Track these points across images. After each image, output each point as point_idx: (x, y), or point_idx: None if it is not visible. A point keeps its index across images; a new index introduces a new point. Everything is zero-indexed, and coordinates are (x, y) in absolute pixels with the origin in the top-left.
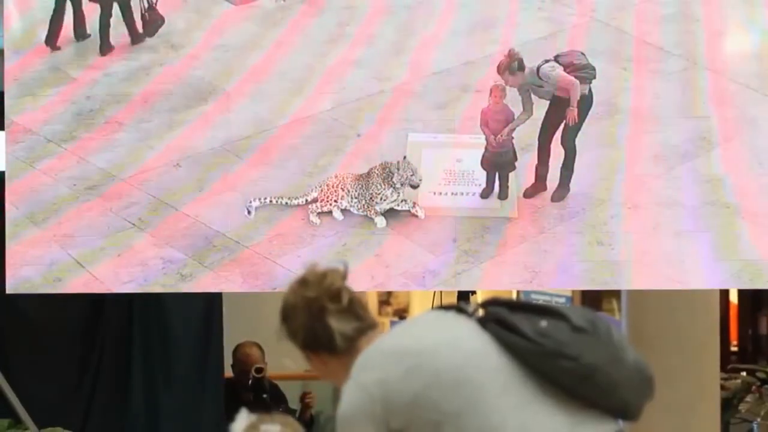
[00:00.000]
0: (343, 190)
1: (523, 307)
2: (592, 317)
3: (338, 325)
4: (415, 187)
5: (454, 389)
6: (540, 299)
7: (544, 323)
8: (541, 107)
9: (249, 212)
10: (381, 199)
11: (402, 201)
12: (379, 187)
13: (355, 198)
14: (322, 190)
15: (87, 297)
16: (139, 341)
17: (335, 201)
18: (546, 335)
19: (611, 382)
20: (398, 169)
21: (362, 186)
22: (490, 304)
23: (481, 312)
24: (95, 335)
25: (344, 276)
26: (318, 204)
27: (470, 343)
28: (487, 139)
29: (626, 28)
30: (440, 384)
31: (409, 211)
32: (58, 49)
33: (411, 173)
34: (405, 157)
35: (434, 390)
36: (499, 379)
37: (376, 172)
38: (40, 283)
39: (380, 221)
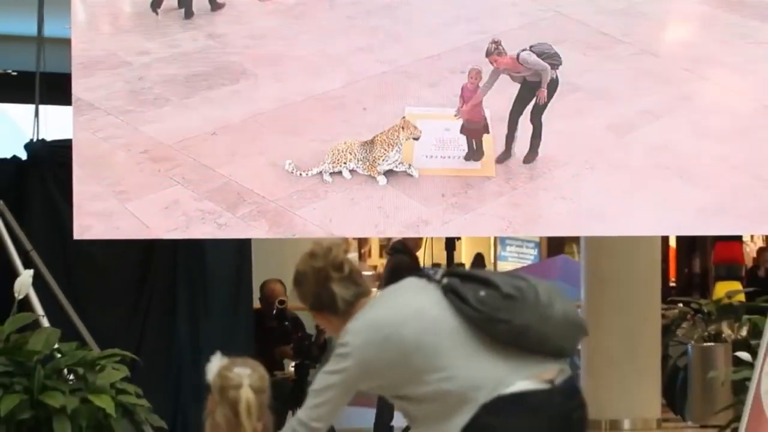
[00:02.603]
0: (350, 154)
1: (471, 277)
2: (519, 283)
3: (340, 290)
4: (416, 139)
5: (417, 351)
6: (513, 244)
7: (482, 293)
8: (512, 90)
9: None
10: (383, 160)
11: (399, 163)
12: (382, 150)
13: (361, 160)
14: (333, 155)
15: (140, 242)
16: (183, 278)
17: (344, 163)
18: (484, 303)
19: (542, 335)
20: (403, 128)
21: (367, 150)
22: (449, 275)
23: (444, 281)
24: (147, 273)
25: (346, 250)
26: (329, 165)
27: (431, 312)
28: (459, 109)
29: (585, 20)
30: (406, 349)
31: (405, 171)
32: (157, 14)
33: (413, 128)
34: (404, 117)
35: (401, 355)
36: (452, 338)
37: (380, 138)
38: (102, 231)
39: (381, 180)
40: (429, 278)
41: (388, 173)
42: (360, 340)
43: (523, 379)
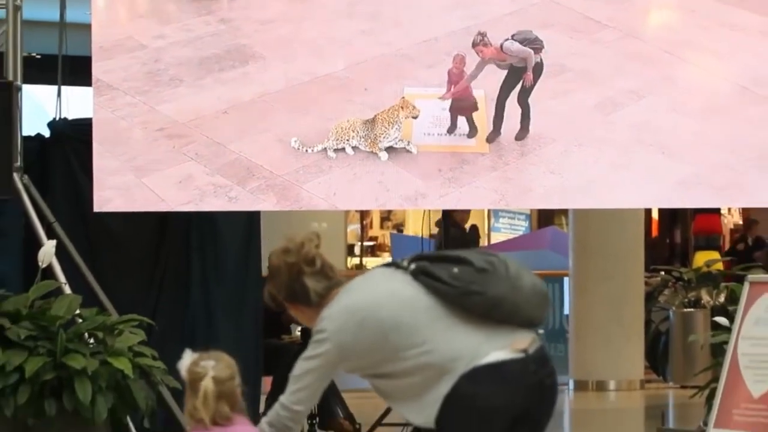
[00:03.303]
0: (353, 132)
1: (440, 258)
2: (491, 258)
3: (313, 284)
4: (415, 117)
5: (394, 331)
6: (506, 216)
7: (455, 269)
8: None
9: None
10: (384, 137)
11: (399, 140)
12: (383, 128)
13: (363, 138)
14: (336, 132)
15: (156, 214)
16: (196, 248)
17: (347, 140)
18: (458, 278)
19: (514, 305)
20: (402, 108)
21: (368, 128)
22: (416, 259)
23: (412, 266)
24: (162, 243)
25: (318, 245)
26: (333, 142)
27: (404, 293)
28: (446, 92)
29: (573, 6)
30: (383, 330)
31: (404, 148)
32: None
33: (412, 108)
34: (404, 97)
35: (379, 335)
36: (428, 315)
37: (381, 117)
38: (120, 203)
39: (383, 155)
40: (396, 266)
41: (389, 149)
42: (336, 326)
43: (499, 349)
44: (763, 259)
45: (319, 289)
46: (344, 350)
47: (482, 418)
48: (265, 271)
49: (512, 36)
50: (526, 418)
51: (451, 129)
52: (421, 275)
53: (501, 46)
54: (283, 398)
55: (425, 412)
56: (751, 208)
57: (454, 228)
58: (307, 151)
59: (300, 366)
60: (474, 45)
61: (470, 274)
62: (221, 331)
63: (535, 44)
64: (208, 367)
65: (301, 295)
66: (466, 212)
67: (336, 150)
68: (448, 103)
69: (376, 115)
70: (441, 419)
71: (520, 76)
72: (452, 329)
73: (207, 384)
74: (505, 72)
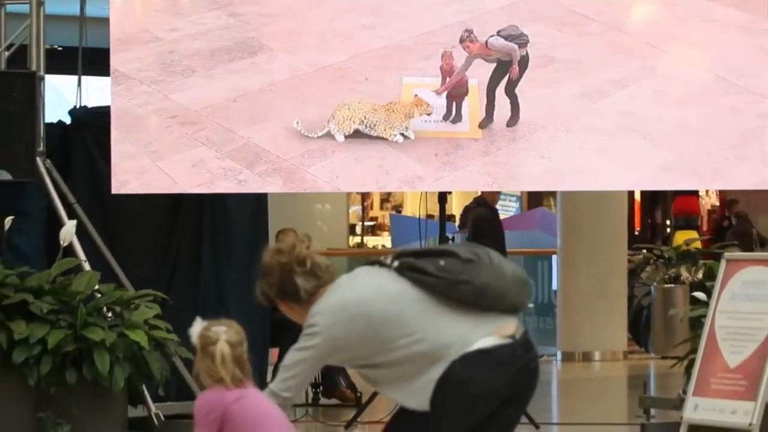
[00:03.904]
0: (357, 118)
1: (424, 253)
2: (475, 249)
3: (303, 282)
4: (429, 114)
5: (384, 324)
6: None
7: (442, 262)
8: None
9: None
10: (398, 127)
11: (405, 128)
12: (399, 120)
13: (376, 124)
14: (338, 121)
15: (170, 196)
16: (208, 228)
17: (351, 124)
18: (445, 270)
19: (500, 292)
20: (417, 105)
21: (382, 116)
22: (401, 256)
23: (396, 263)
24: (176, 224)
25: (308, 246)
26: (334, 126)
27: (392, 288)
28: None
29: (560, 0)
30: (373, 323)
31: (402, 133)
32: None
33: (426, 105)
34: (417, 95)
35: (369, 329)
36: (417, 306)
37: (398, 108)
38: (136, 186)
39: (399, 139)
40: (380, 264)
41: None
42: (327, 321)
43: (487, 335)
44: (731, 237)
45: (309, 288)
46: (336, 344)
47: (475, 401)
48: None
49: (498, 32)
50: (512, 398)
51: (447, 116)
52: (406, 270)
53: (486, 42)
54: (273, 385)
55: (417, 397)
56: (728, 190)
57: (484, 207)
58: (308, 135)
59: (291, 356)
60: (461, 41)
61: (457, 265)
62: (231, 304)
63: (520, 39)
64: (220, 332)
65: (291, 293)
66: (497, 193)
67: (338, 133)
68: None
69: (391, 105)
70: (435, 402)
71: (507, 68)
72: (441, 318)
73: (222, 346)
74: (494, 64)
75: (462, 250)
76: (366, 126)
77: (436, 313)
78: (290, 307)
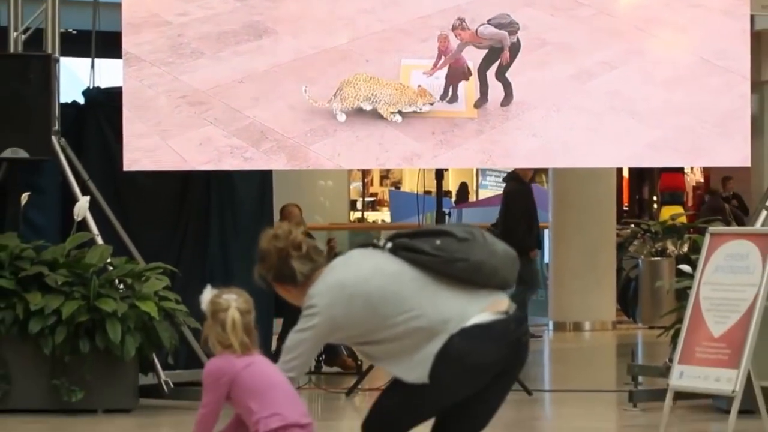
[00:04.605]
0: (363, 95)
1: (419, 233)
2: (470, 229)
3: (299, 266)
4: (432, 104)
5: (383, 301)
6: (492, 174)
7: (438, 241)
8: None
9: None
10: (404, 105)
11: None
12: (404, 103)
13: (383, 103)
14: (345, 95)
15: (179, 173)
16: (215, 203)
17: (355, 101)
18: (442, 249)
19: (493, 268)
20: (421, 96)
21: (391, 94)
22: (395, 237)
23: (389, 245)
24: (184, 199)
25: (304, 231)
26: (338, 102)
27: (389, 267)
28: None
29: None
30: (372, 302)
31: (401, 111)
32: None
33: (429, 96)
34: (420, 86)
35: (368, 307)
36: (414, 284)
37: (407, 93)
38: (146, 163)
39: (398, 118)
40: (374, 246)
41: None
42: (326, 301)
43: (482, 311)
44: (706, 212)
45: (305, 271)
46: (335, 323)
47: (472, 373)
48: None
49: (488, 21)
50: (504, 370)
51: (444, 96)
52: (401, 251)
53: (476, 30)
54: (277, 366)
55: (416, 370)
56: (711, 167)
57: (516, 182)
58: (314, 104)
59: (292, 338)
60: (453, 29)
61: (453, 244)
62: (237, 276)
63: (510, 27)
64: (231, 300)
65: (288, 276)
66: (530, 169)
67: (340, 112)
68: (440, 72)
69: (402, 86)
70: (433, 375)
71: (499, 55)
72: (438, 295)
73: (233, 313)
74: (486, 50)
75: (457, 229)
76: (373, 101)
77: (432, 291)
78: (287, 289)
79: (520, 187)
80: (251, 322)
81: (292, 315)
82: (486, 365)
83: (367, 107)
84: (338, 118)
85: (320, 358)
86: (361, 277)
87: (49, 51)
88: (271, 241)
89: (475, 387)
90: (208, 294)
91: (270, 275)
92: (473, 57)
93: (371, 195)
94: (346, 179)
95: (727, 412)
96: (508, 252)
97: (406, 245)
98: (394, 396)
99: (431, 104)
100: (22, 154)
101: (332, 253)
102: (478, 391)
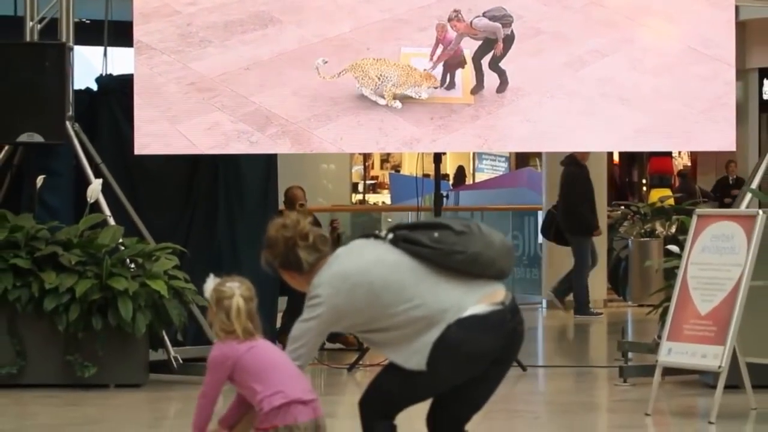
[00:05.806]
0: (370, 78)
1: (418, 226)
2: (467, 222)
3: (305, 255)
4: (436, 88)
5: (385, 290)
6: (488, 158)
7: (436, 234)
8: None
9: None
10: (409, 87)
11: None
12: (409, 86)
13: (390, 83)
14: (360, 77)
15: (188, 156)
16: (222, 186)
17: (365, 80)
18: (440, 241)
19: (490, 259)
20: (426, 79)
21: (399, 76)
22: (395, 229)
23: (390, 236)
24: (193, 182)
25: (312, 221)
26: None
27: (389, 258)
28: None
29: None
30: (375, 291)
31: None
32: None
33: (434, 80)
34: (425, 70)
35: (371, 296)
36: (413, 275)
37: (414, 75)
38: (157, 147)
39: (398, 105)
40: (375, 237)
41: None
42: (329, 291)
43: (479, 301)
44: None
45: (311, 260)
46: (339, 312)
47: (468, 361)
48: (281, 206)
49: (483, 13)
50: (500, 358)
51: (442, 83)
52: (401, 242)
53: (471, 22)
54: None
55: (415, 358)
56: (699, 151)
57: (573, 166)
58: (324, 78)
59: (298, 327)
60: (449, 20)
61: (451, 237)
62: (243, 257)
63: (504, 20)
64: (234, 287)
65: (294, 264)
66: (587, 153)
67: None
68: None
69: (410, 69)
70: (431, 362)
71: (493, 45)
72: (436, 286)
73: (238, 300)
74: (481, 41)
75: (455, 223)
76: (381, 81)
77: (431, 281)
78: (292, 276)
79: (579, 170)
80: (254, 309)
81: (294, 294)
82: (481, 354)
83: (373, 90)
84: (375, 100)
85: None
86: (363, 268)
87: (64, 40)
88: (279, 230)
89: (471, 374)
90: (211, 283)
91: (276, 262)
92: (469, 46)
93: (372, 178)
94: (348, 163)
95: (714, 387)
96: (504, 242)
97: (407, 237)
98: (393, 377)
99: (435, 87)
100: (38, 138)
101: (335, 233)
102: (474, 376)
